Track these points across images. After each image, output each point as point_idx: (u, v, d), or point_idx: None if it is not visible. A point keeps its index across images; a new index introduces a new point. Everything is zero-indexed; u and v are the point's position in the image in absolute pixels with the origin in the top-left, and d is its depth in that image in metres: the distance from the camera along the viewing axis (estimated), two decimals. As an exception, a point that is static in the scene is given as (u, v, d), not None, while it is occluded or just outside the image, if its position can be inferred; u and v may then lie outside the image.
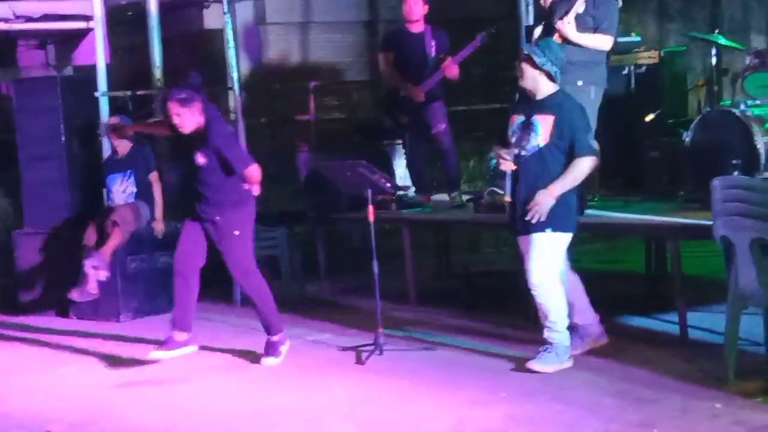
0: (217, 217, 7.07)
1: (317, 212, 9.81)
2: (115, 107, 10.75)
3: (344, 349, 7.41)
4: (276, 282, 9.56)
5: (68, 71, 12.23)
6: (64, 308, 9.15)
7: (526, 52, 6.57)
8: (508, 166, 6.58)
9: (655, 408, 5.73)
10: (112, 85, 10.79)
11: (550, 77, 6.54)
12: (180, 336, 7.26)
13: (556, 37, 8.19)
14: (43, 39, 12.29)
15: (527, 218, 6.42)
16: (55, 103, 9.56)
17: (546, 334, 6.56)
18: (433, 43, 9.36)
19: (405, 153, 9.91)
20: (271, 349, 7.18)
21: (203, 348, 7.79)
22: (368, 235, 7.42)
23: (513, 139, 6.59)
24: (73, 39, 11.77)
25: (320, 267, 9.61)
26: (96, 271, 8.66)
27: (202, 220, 7.19)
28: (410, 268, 8.95)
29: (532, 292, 6.54)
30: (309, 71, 12.68)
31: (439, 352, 7.16)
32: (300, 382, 6.71)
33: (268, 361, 7.13)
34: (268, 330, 7.23)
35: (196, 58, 12.68)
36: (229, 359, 7.41)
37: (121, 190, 9.25)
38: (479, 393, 6.18)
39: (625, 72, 9.87)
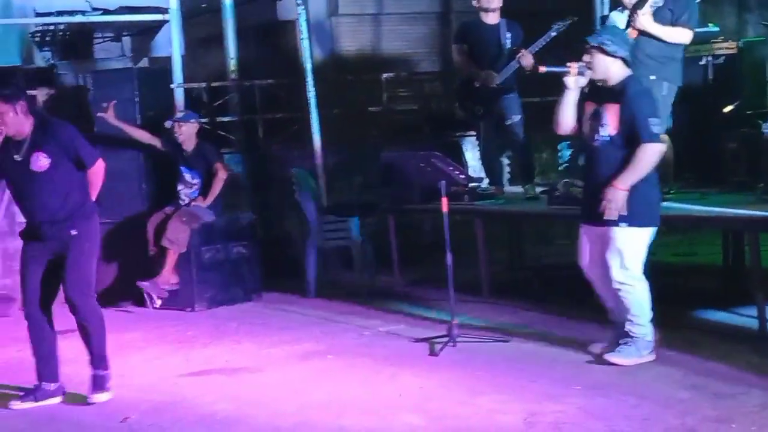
0: (73, 231, 6.21)
1: (390, 203, 9.81)
2: (190, 99, 10.86)
3: (417, 340, 7.39)
4: (348, 273, 9.62)
5: (144, 63, 12.37)
6: (140, 298, 9.25)
7: (596, 43, 6.45)
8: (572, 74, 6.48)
9: (732, 403, 5.63)
10: (186, 76, 10.89)
11: (625, 62, 6.47)
12: (49, 386, 6.40)
13: (630, 30, 8.11)
14: (119, 31, 12.46)
15: (601, 212, 6.35)
16: (131, 94, 9.67)
17: (627, 327, 6.49)
18: (508, 35, 9.30)
19: (478, 144, 9.86)
20: (100, 382, 6.35)
21: (275, 337, 7.84)
22: (441, 226, 7.39)
23: (585, 128, 6.53)
24: (148, 31, 11.92)
25: (392, 258, 9.60)
26: (154, 297, 9.05)
27: (47, 242, 6.27)
28: (483, 260, 8.91)
29: (614, 287, 6.45)
30: (381, 62, 12.69)
31: (512, 344, 7.11)
32: (371, 373, 6.71)
33: (100, 397, 6.30)
34: (98, 363, 6.35)
35: (270, 50, 12.76)
36: (301, 349, 7.44)
37: (187, 186, 9.36)
38: (552, 386, 6.13)
39: (703, 62, 9.73)
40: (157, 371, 7.06)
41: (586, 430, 5.35)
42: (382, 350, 7.28)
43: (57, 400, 6.38)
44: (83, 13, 11.48)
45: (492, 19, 9.32)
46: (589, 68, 6.47)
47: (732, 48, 9.79)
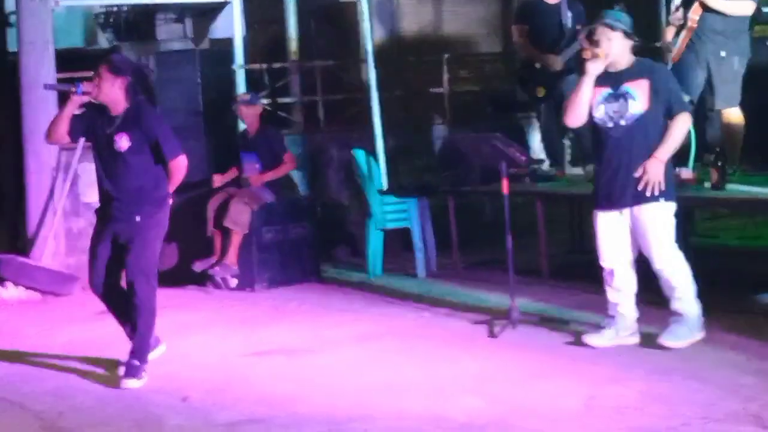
0: (137, 218, 6.31)
1: (450, 185, 9.78)
2: (251, 80, 10.90)
3: (477, 322, 7.37)
4: (408, 254, 9.62)
5: (205, 44, 12.43)
6: (200, 278, 9.31)
7: (613, 25, 6.41)
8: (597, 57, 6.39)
9: (797, 389, 5.55)
10: (248, 58, 10.93)
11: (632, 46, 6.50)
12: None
13: (695, 6, 8.00)
14: (181, 13, 12.52)
15: (642, 189, 6.32)
16: (193, 75, 9.72)
17: (676, 305, 6.41)
18: (569, 14, 9.21)
19: (540, 126, 9.79)
20: (134, 370, 6.33)
21: (335, 319, 7.87)
22: (501, 208, 7.35)
23: (600, 113, 6.43)
24: (209, 12, 11.97)
25: (452, 240, 9.58)
26: (228, 279, 9.07)
27: (112, 222, 6.39)
28: (543, 242, 8.86)
29: (657, 267, 6.37)
30: (442, 43, 12.64)
31: (572, 327, 7.06)
32: (430, 355, 6.70)
33: (131, 383, 6.28)
34: (137, 353, 6.36)
35: (330, 31, 12.77)
36: (360, 330, 7.44)
37: (248, 169, 9.41)
38: (613, 369, 6.08)
39: (769, 43, 9.55)
40: (218, 351, 7.11)
41: (647, 415, 5.29)
42: (442, 332, 7.27)
43: (162, 349, 6.58)
44: (146, -6, 11.56)
45: (553, -2, 9.23)
46: (606, 49, 6.39)
47: (800, 28, 9.59)
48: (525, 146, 10.05)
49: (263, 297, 8.97)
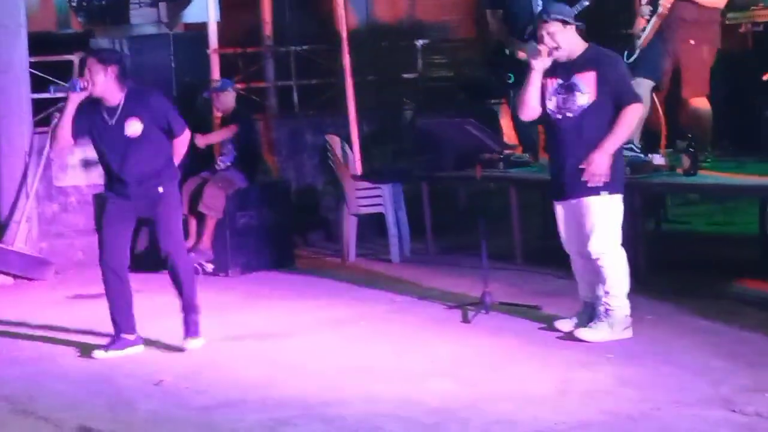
0: (160, 189, 6.54)
1: (424, 170, 9.78)
2: (226, 64, 10.86)
3: (450, 308, 7.39)
4: (381, 239, 9.63)
5: (179, 29, 12.36)
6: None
7: (553, 16, 6.30)
8: (543, 55, 6.31)
9: (767, 372, 5.59)
10: (222, 42, 10.89)
11: (580, 32, 6.39)
12: (129, 336, 6.66)
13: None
14: (155, -3, 12.45)
15: (586, 180, 6.22)
16: (167, 60, 9.69)
17: (604, 300, 6.32)
18: (539, 2, 9.21)
19: (511, 112, 9.80)
20: (194, 327, 6.66)
21: (308, 303, 7.88)
22: (475, 193, 7.38)
23: (552, 105, 6.38)
24: (184, -4, 11.90)
25: (426, 225, 9.59)
26: (204, 263, 9.07)
27: (131, 200, 6.57)
28: (517, 228, 8.89)
29: (593, 257, 6.30)
30: (416, 29, 12.62)
31: (545, 312, 7.09)
32: (403, 340, 6.72)
33: (193, 343, 6.62)
34: (191, 309, 6.68)
35: (305, 16, 12.73)
36: (333, 315, 7.46)
37: (223, 152, 9.40)
38: (585, 353, 6.11)
39: (742, 30, 9.60)
40: (192, 335, 7.10)
41: (618, 399, 5.33)
42: (415, 317, 7.29)
43: (140, 348, 6.62)
44: (119, -22, 11.48)
45: (524, -17, 9.24)
46: (553, 44, 6.29)
47: (772, 16, 9.64)
48: (497, 132, 10.05)
49: (237, 282, 8.97)
